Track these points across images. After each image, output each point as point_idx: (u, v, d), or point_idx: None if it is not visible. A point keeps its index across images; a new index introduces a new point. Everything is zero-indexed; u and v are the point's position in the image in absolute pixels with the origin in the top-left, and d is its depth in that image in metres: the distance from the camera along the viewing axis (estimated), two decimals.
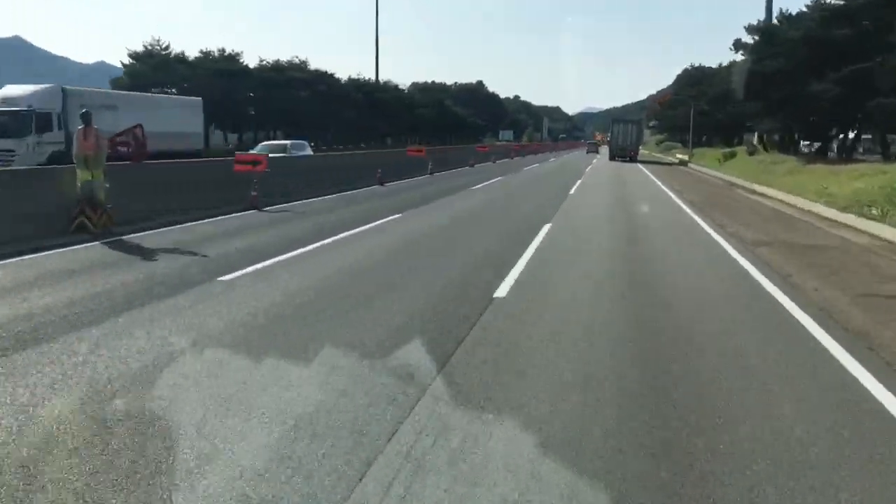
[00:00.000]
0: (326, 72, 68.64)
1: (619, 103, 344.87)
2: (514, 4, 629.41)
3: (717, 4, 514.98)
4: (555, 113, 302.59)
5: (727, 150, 51.25)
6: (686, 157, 57.15)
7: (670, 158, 65.71)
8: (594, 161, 57.75)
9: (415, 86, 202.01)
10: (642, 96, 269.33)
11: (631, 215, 17.64)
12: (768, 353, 5.93)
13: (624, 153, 57.50)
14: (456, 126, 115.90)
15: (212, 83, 48.30)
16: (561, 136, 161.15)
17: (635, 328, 6.70)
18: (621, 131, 60.13)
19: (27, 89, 28.92)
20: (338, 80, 69.81)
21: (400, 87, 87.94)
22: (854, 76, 28.06)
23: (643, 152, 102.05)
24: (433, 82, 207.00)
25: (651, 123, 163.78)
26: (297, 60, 65.54)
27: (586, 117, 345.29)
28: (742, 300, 8.15)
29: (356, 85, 74.94)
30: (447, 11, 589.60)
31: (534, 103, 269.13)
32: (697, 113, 59.40)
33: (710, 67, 72.82)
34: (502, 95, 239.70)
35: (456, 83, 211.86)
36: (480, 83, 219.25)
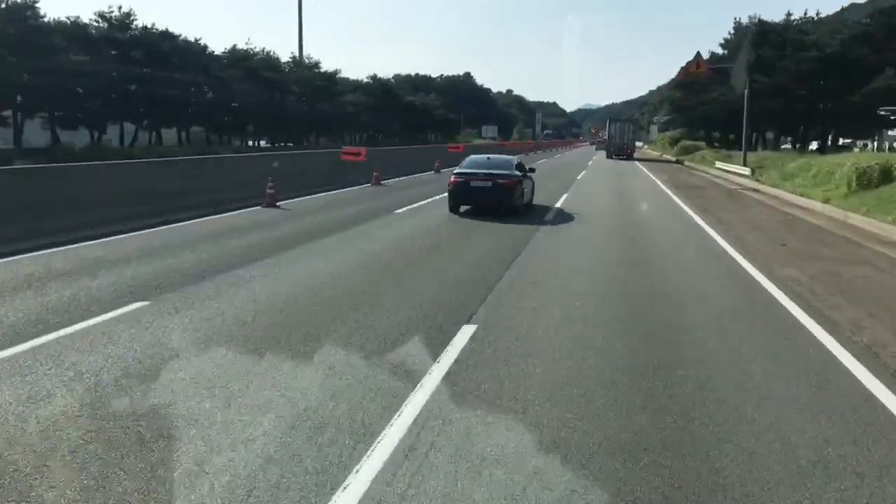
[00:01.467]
0: (168, 31, 42.58)
1: (618, 100, 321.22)
2: (515, 2, 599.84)
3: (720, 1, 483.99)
4: (552, 109, 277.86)
5: (850, 155, 25.10)
6: (743, 170, 30.83)
7: (709, 170, 39.08)
8: (581, 175, 31.91)
9: (397, 77, 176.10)
10: (643, 92, 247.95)
11: None
12: None
13: (621, 151, 55.45)
14: (422, 122, 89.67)
15: None
16: (546, 132, 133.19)
17: None
18: (618, 130, 57.65)
19: None
20: (186, 45, 43.84)
21: (323, 68, 61.50)
22: None
23: (652, 153, 77.01)
24: (417, 74, 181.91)
25: (655, 118, 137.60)
26: (114, 14, 39.52)
27: (584, 114, 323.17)
28: None
29: (236, 59, 49.01)
30: (444, 4, 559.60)
31: (531, 99, 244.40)
32: (761, 93, 33.38)
33: (774, 23, 45.34)
34: (496, 90, 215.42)
35: (442, 75, 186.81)
36: (468, 75, 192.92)
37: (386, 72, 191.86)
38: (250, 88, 46.88)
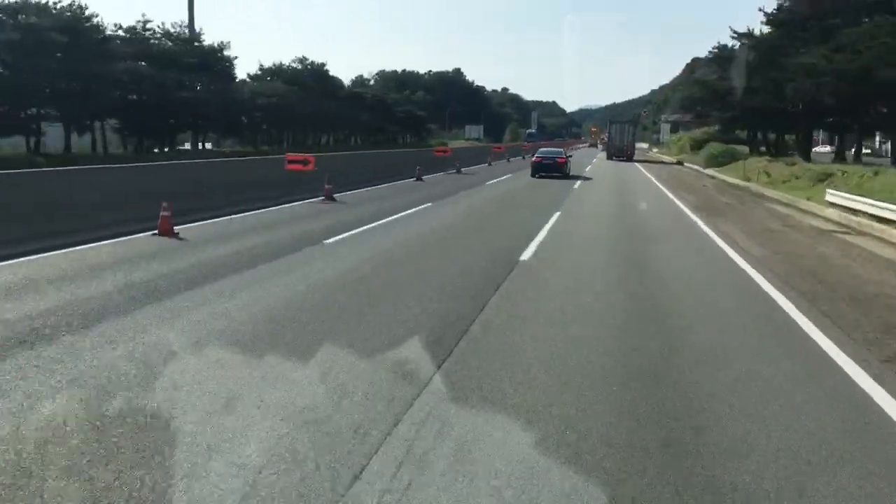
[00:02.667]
0: None
1: (619, 99, 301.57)
2: (516, 2, 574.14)
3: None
4: (551, 108, 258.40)
5: None
6: None
7: (814, 210, 19.47)
8: (534, 244, 12.22)
9: (381, 74, 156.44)
10: (644, 91, 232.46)
11: None
12: None
13: (621, 153, 51.62)
14: (384, 118, 70.18)
15: None
16: (530, 132, 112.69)
17: None
18: (618, 131, 54.15)
19: None
20: None
21: (221, 49, 42.20)
22: None
23: (665, 159, 57.93)
24: (403, 70, 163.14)
25: (663, 116, 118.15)
26: None
27: (585, 114, 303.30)
28: None
29: (63, 24, 29.49)
30: (444, 4, 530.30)
31: (530, 98, 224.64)
32: None
33: None
34: (490, 89, 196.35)
35: (430, 72, 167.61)
36: (458, 71, 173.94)
37: (371, 69, 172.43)
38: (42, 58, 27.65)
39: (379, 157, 27.48)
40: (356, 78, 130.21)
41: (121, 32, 36.40)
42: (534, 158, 29.87)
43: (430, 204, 17.11)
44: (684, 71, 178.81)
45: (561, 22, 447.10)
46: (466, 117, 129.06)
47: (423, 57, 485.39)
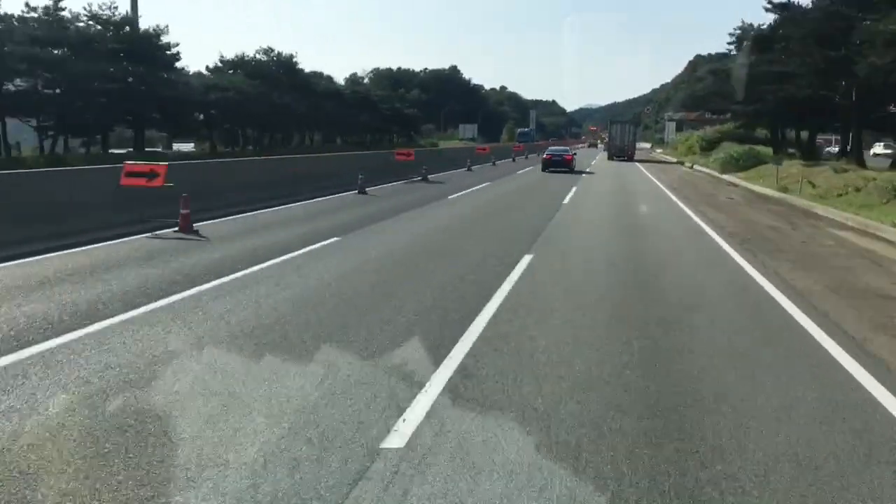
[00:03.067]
0: None
1: (620, 98, 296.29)
2: (516, 2, 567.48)
3: None
4: (551, 108, 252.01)
5: None
6: None
7: None
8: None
9: (376, 73, 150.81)
10: (646, 90, 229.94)
11: None
12: None
13: (622, 153, 50.64)
14: (368, 116, 64.22)
15: None
16: (522, 131, 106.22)
17: None
18: (619, 132, 53.27)
19: None
20: None
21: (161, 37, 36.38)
22: None
23: (669, 159, 52.45)
24: (399, 69, 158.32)
25: (667, 114, 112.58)
26: None
27: (585, 114, 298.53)
28: None
29: None
30: (445, 5, 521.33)
31: (529, 97, 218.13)
32: None
33: None
34: (489, 87, 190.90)
35: (426, 69, 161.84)
36: (455, 69, 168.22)
37: (367, 68, 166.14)
38: None
39: (301, 163, 21.35)
40: (350, 76, 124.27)
41: (32, 14, 30.52)
42: (545, 156, 34.71)
43: (338, 238, 11.24)
44: (686, 69, 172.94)
45: (561, 22, 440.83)
46: (463, 116, 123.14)
47: (422, 57, 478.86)
